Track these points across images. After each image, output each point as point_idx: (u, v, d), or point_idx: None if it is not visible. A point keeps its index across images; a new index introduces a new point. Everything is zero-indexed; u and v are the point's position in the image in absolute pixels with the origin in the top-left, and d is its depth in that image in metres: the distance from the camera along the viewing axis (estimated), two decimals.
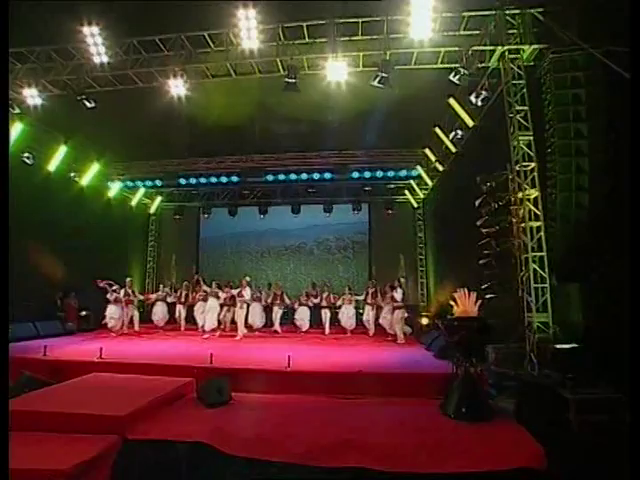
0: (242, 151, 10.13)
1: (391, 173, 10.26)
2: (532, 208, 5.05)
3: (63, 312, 10.13)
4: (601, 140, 4.96)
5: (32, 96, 6.41)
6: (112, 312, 9.41)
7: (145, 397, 4.56)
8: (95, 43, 5.80)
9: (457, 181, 7.93)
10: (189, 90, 6.25)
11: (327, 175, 10.26)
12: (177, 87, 6.09)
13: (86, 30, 5.70)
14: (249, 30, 5.52)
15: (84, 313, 10.31)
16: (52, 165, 9.18)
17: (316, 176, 10.32)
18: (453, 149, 7.66)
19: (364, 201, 12.44)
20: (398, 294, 8.18)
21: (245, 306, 9.22)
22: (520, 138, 5.18)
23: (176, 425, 4.24)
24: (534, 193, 5.09)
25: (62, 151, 9.20)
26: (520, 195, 5.12)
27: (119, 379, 5.50)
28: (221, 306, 9.15)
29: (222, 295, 9.09)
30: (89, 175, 10.25)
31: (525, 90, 5.26)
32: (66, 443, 3.69)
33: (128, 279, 9.97)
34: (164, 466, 3.76)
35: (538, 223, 4.99)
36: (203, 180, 10.93)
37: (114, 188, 11.35)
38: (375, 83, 5.62)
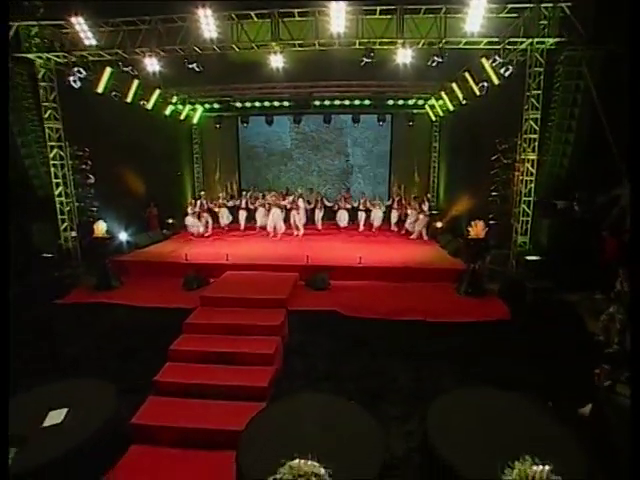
0: (292, 78, 11.33)
1: (421, 101, 11.92)
2: (529, 167, 7.47)
3: (148, 222, 12.49)
4: (585, 122, 7.11)
5: (152, 64, 7.83)
6: (192, 221, 12.06)
7: (286, 285, 7.66)
8: (207, 22, 7.10)
9: (475, 117, 9.90)
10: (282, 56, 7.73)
11: (366, 102, 11.87)
12: (276, 62, 7.63)
13: (201, 12, 6.95)
14: (337, 18, 6.90)
15: (170, 221, 12.78)
16: (129, 97, 10.59)
17: (357, 102, 11.92)
18: (477, 93, 9.43)
19: (388, 112, 14.11)
20: (426, 206, 11.22)
21: (301, 212, 12.05)
22: (531, 115, 7.27)
23: (310, 301, 7.46)
24: (532, 156, 7.43)
25: (135, 84, 10.52)
26: (523, 157, 7.50)
27: (252, 275, 8.42)
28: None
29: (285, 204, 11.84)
30: (152, 100, 11.64)
31: (542, 77, 7.09)
32: (259, 313, 6.81)
33: (202, 192, 12.39)
34: (310, 324, 6.94)
35: (531, 178, 7.49)
36: (258, 104, 12.36)
37: (169, 108, 12.79)
38: (432, 65, 7.34)
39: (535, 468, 3.13)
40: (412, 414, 4.96)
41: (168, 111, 12.92)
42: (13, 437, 3.60)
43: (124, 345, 6.49)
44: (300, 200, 12.01)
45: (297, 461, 3.33)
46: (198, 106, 14.39)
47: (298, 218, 11.84)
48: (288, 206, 11.75)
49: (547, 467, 3.12)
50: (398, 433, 4.68)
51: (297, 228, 11.87)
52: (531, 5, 6.93)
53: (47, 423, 4.09)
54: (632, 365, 3.19)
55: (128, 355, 6.24)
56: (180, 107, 13.45)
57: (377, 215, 12.42)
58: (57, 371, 5.71)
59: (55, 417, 4.18)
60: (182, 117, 13.97)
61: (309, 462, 3.31)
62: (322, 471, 3.28)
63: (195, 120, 14.94)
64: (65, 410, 4.26)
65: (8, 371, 3.07)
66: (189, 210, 12.12)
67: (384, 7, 7.10)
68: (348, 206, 12.68)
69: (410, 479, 4.07)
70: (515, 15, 7.24)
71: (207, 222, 12.40)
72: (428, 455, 3.84)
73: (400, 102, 11.95)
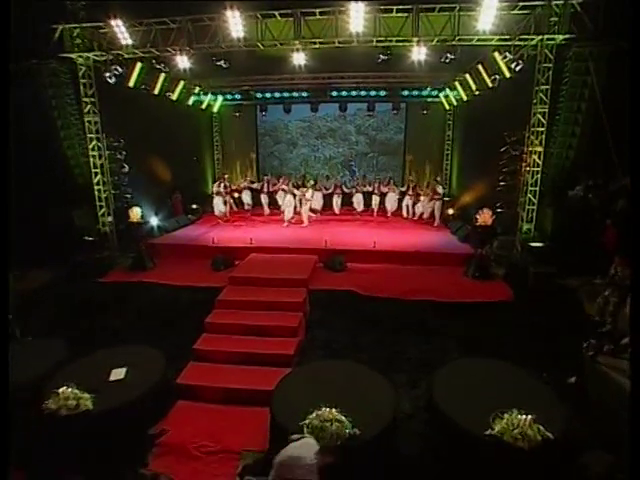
0: (310, 70, 11.75)
1: (435, 92, 12.26)
2: (536, 159, 7.88)
3: (173, 207, 13.13)
4: (591, 116, 7.46)
5: (182, 61, 8.44)
6: (217, 203, 12.55)
7: (306, 267, 8.32)
8: (234, 22, 7.63)
9: (487, 109, 10.24)
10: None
11: (382, 92, 12.27)
12: (298, 59, 8.15)
13: (229, 13, 7.49)
14: (356, 18, 7.35)
15: (195, 206, 13.48)
16: (156, 90, 11.20)
17: (372, 93, 12.33)
18: (490, 84, 9.76)
19: (403, 101, 14.40)
20: (439, 189, 11.61)
21: (309, 203, 12.14)
22: (539, 109, 7.65)
23: (329, 281, 8.12)
24: (539, 149, 7.83)
25: (162, 78, 11.11)
26: (530, 149, 7.91)
27: (274, 257, 9.09)
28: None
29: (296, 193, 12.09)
30: (177, 91, 12.23)
31: (551, 72, 7.43)
32: (282, 291, 7.52)
33: (226, 176, 13.01)
34: (328, 302, 7.62)
35: (537, 169, 7.91)
36: (277, 94, 12.88)
37: (192, 98, 13.37)
38: (445, 61, 7.75)
39: (520, 417, 3.83)
40: (420, 381, 5.64)
41: (191, 101, 13.55)
42: (90, 387, 4.46)
43: (162, 319, 7.28)
44: (309, 192, 12.13)
45: (323, 410, 4.09)
46: (219, 96, 14.94)
47: (305, 209, 11.95)
48: (297, 194, 11.97)
49: (530, 417, 3.82)
50: (407, 396, 5.37)
51: (304, 217, 11.93)
52: (542, 3, 7.25)
53: (112, 378, 4.91)
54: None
55: (166, 327, 7.02)
56: (202, 97, 14.02)
57: (391, 199, 12.89)
58: (105, 339, 6.51)
59: (117, 374, 5.00)
60: (203, 106, 14.57)
61: (333, 411, 4.07)
62: (344, 418, 4.03)
63: (215, 109, 15.49)
64: (125, 369, 5.07)
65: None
66: (214, 189, 12.59)
67: (400, 6, 7.50)
68: (364, 189, 13.14)
69: (417, 431, 4.77)
70: (526, 12, 7.55)
71: (228, 203, 12.85)
72: (433, 411, 4.53)
73: (415, 92, 12.32)
